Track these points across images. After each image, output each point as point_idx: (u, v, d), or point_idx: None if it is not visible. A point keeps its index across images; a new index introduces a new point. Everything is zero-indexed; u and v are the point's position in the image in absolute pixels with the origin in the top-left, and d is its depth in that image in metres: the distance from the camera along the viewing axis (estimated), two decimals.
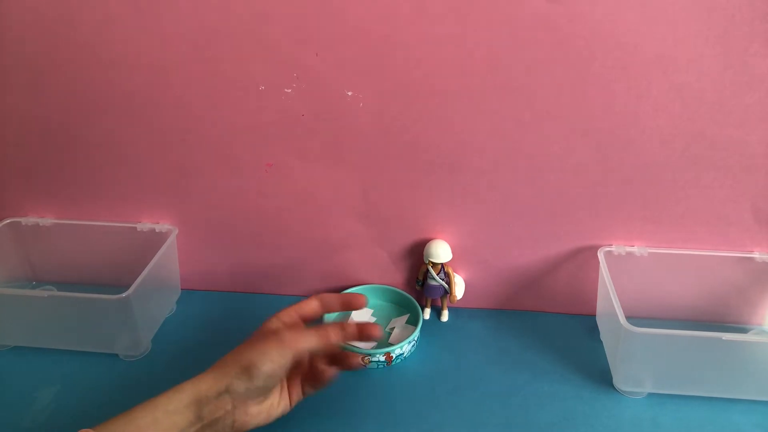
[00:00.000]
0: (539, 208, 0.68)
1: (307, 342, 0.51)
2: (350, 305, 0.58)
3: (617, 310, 0.58)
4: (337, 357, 0.56)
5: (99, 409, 0.61)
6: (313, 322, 0.56)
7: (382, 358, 0.66)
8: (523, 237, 0.71)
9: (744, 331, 0.70)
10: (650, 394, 0.62)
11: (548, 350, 0.69)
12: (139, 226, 0.74)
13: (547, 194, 0.67)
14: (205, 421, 0.47)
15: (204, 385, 0.48)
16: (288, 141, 0.67)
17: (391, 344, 0.67)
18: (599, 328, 0.71)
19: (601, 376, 0.65)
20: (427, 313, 0.75)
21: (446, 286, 0.72)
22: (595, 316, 0.73)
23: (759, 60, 0.56)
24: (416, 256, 0.74)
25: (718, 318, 0.71)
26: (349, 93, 0.63)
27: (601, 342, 0.69)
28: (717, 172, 0.63)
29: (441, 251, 0.70)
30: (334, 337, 0.52)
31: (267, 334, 0.51)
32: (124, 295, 0.61)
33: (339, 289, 0.76)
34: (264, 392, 0.50)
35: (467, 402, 0.62)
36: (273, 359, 0.49)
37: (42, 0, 0.61)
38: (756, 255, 0.67)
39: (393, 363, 0.67)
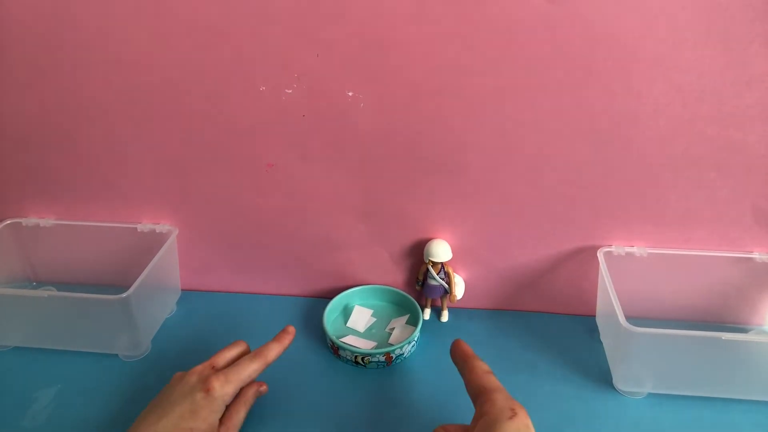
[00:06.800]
0: (539, 208, 0.68)
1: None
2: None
3: (617, 310, 0.58)
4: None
5: (99, 410, 0.61)
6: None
7: (382, 358, 0.66)
8: (523, 237, 0.71)
9: (744, 331, 0.70)
10: (650, 394, 0.62)
11: (548, 350, 0.69)
12: (140, 227, 0.74)
13: (547, 194, 0.67)
14: None
15: None
16: (289, 141, 0.67)
17: (391, 344, 0.67)
18: (599, 328, 0.71)
19: (601, 376, 0.65)
20: (427, 314, 0.75)
21: (446, 285, 0.72)
22: (595, 316, 0.73)
23: (759, 60, 0.56)
24: (416, 255, 0.74)
25: (718, 318, 0.71)
26: (350, 93, 0.63)
27: (601, 342, 0.69)
28: (717, 172, 0.63)
29: (441, 250, 0.70)
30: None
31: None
32: (124, 295, 0.61)
33: (339, 289, 0.76)
34: None
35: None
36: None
37: (42, 0, 0.61)
38: (756, 255, 0.67)
39: (393, 363, 0.67)
